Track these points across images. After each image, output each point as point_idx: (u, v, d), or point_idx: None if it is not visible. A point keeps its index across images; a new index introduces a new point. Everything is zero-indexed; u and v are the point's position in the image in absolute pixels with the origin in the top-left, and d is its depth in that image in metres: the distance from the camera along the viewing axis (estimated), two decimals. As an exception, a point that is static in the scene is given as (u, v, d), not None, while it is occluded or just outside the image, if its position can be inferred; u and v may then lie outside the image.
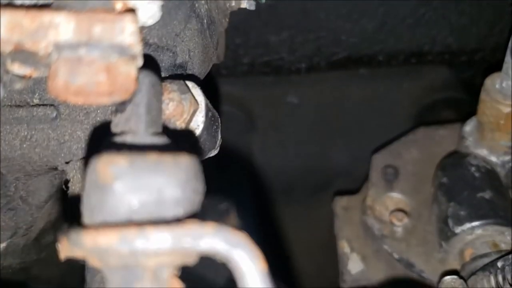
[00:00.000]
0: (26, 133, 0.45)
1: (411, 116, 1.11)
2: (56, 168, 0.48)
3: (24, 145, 0.45)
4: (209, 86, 0.51)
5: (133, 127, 0.37)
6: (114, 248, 0.30)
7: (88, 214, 0.33)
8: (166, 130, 0.42)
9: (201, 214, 0.34)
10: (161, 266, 0.31)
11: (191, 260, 0.32)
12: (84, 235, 0.30)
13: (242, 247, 0.30)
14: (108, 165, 0.32)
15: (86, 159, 0.45)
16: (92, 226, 0.32)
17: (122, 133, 0.37)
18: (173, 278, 0.32)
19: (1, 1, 0.35)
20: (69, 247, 0.31)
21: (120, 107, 0.38)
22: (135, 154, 0.33)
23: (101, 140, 0.37)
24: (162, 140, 0.37)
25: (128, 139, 0.36)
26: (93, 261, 0.31)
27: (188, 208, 0.33)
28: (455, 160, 0.79)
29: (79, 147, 0.46)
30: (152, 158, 0.33)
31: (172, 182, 0.33)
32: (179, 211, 0.33)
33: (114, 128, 0.38)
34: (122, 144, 0.36)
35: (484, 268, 0.64)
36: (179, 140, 0.39)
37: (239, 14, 0.60)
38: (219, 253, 0.30)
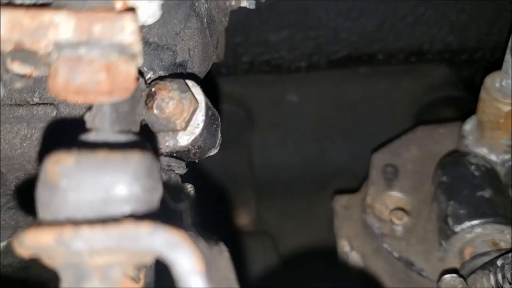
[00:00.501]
0: (26, 132, 0.45)
1: (411, 115, 1.11)
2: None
3: (24, 144, 0.45)
4: (209, 85, 0.51)
5: (98, 124, 0.36)
6: (52, 248, 0.29)
7: (40, 212, 0.33)
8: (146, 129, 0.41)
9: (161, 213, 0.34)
10: (108, 265, 0.31)
11: (145, 260, 0.31)
12: (26, 235, 0.30)
13: (179, 247, 0.29)
14: (56, 163, 0.32)
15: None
16: (38, 225, 0.32)
17: (89, 130, 0.37)
18: (125, 278, 0.32)
19: (1, 0, 0.35)
20: (17, 247, 0.31)
21: (91, 106, 0.37)
22: (83, 152, 0.33)
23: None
24: (128, 137, 0.36)
25: (91, 137, 0.36)
26: (44, 260, 0.31)
27: (138, 206, 0.33)
28: (454, 159, 0.79)
29: None
30: (100, 156, 0.32)
31: (119, 180, 0.32)
32: (126, 210, 0.32)
33: (87, 126, 0.37)
34: (83, 142, 0.35)
35: (483, 266, 0.65)
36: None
37: (239, 13, 0.60)
38: (155, 252, 0.29)
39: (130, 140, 0.36)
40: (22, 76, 0.37)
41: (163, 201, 0.35)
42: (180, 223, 0.48)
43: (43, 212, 0.33)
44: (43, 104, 0.45)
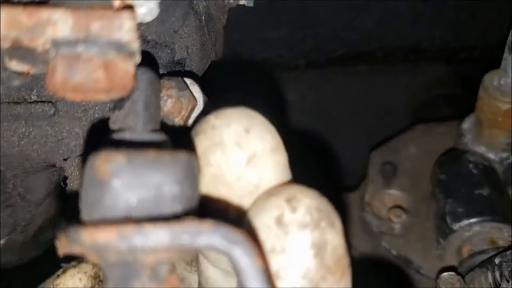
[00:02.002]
0: (24, 129, 0.45)
1: (410, 113, 1.11)
2: (54, 165, 0.48)
3: (22, 142, 0.45)
4: (207, 83, 0.51)
5: (131, 124, 0.37)
6: (113, 245, 0.30)
7: (86, 210, 0.33)
8: (165, 127, 0.42)
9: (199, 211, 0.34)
10: (159, 263, 0.32)
11: (188, 257, 0.32)
12: (82, 231, 0.30)
13: (240, 244, 0.30)
14: (106, 162, 0.32)
15: (84, 156, 0.45)
16: (90, 223, 0.32)
17: (120, 130, 0.37)
18: (171, 275, 0.32)
19: (-1, -2, 0.35)
20: (67, 243, 0.31)
21: (118, 104, 0.38)
22: (133, 151, 0.33)
23: (99, 137, 0.37)
24: (160, 137, 0.37)
25: (126, 136, 0.36)
26: (91, 258, 0.31)
27: (186, 204, 0.33)
28: (453, 157, 0.79)
29: (77, 144, 0.46)
30: (150, 155, 0.33)
31: (170, 179, 0.33)
32: (177, 208, 0.33)
33: (112, 125, 0.38)
34: (120, 141, 0.36)
35: (481, 264, 0.65)
36: (177, 137, 0.39)
37: (238, 11, 0.60)
38: (217, 249, 0.30)
39: (163, 139, 0.37)
40: (20, 74, 0.37)
41: None
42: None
43: (90, 210, 0.33)
44: (41, 102, 0.45)
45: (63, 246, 0.31)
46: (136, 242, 0.30)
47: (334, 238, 0.36)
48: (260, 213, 0.36)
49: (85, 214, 0.33)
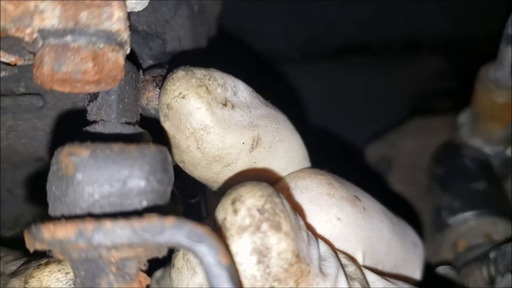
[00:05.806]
0: (12, 123, 0.44)
1: (406, 106, 1.11)
2: (43, 159, 0.47)
3: (10, 135, 0.44)
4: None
5: (104, 116, 0.36)
6: (72, 242, 0.29)
7: (51, 205, 0.32)
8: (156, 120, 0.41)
9: (172, 206, 0.34)
10: (124, 260, 0.31)
11: (159, 254, 0.31)
12: (42, 229, 0.29)
13: (203, 242, 0.29)
14: (70, 155, 0.31)
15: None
16: (53, 219, 0.31)
17: (94, 122, 0.36)
18: (139, 272, 0.32)
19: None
20: (31, 240, 0.30)
21: (93, 95, 0.37)
22: (98, 145, 0.32)
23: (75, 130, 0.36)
24: (134, 129, 0.36)
25: (98, 128, 0.35)
26: (57, 255, 0.30)
27: (153, 199, 0.32)
28: (449, 151, 0.79)
29: None
30: (116, 148, 0.32)
31: (136, 173, 0.32)
32: (144, 203, 0.32)
33: (88, 117, 0.37)
34: (92, 134, 0.35)
35: (476, 259, 0.64)
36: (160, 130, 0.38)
37: (232, 2, 0.59)
38: (181, 246, 0.29)
39: (137, 132, 0.36)
40: (7, 65, 0.36)
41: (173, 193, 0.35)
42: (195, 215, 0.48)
43: (56, 204, 0.32)
44: (29, 94, 0.44)
45: (29, 243, 0.30)
46: (95, 240, 0.29)
47: (280, 242, 0.32)
48: (216, 212, 0.34)
49: (50, 209, 0.32)
